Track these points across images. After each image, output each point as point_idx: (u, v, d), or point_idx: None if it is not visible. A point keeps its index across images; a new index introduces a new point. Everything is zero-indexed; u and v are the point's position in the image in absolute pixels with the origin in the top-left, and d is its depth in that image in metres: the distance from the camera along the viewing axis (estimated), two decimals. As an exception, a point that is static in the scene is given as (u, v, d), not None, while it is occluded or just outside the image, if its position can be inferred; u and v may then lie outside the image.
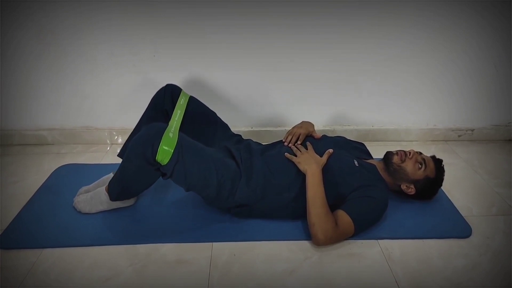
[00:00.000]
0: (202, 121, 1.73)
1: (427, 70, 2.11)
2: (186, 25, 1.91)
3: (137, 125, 1.74)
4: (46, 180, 1.81)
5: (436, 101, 2.22)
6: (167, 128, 1.37)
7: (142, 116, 1.73)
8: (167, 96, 1.69)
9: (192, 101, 1.73)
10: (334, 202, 1.46)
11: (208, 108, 1.78)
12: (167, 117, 1.70)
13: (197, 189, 1.46)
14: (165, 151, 1.31)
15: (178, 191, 1.71)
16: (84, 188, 1.65)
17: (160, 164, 1.34)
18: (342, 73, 2.09)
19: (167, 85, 1.73)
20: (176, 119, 1.60)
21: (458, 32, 1.99)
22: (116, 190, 1.52)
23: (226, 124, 1.80)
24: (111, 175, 1.67)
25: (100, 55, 1.98)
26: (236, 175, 1.47)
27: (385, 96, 2.18)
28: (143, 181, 1.48)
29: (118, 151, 1.80)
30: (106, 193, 1.55)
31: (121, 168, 1.45)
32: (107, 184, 1.58)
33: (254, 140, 1.77)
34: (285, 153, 1.58)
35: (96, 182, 1.67)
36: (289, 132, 1.72)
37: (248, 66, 2.04)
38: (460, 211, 1.63)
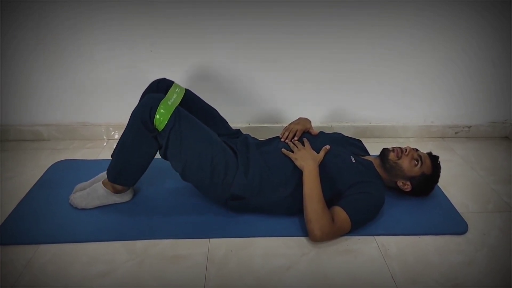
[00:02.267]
0: (199, 115, 1.72)
1: (425, 68, 2.11)
2: (184, 22, 1.91)
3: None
4: (42, 176, 1.80)
5: (433, 98, 2.22)
6: (166, 97, 1.42)
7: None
8: (160, 87, 1.64)
9: (189, 94, 1.71)
10: (330, 198, 1.46)
11: (205, 102, 1.77)
12: None
13: (191, 170, 1.45)
14: (162, 114, 1.35)
15: (174, 186, 1.71)
16: (80, 185, 1.64)
17: (157, 131, 1.37)
18: (340, 70, 2.09)
19: (159, 79, 1.68)
20: (174, 97, 1.53)
21: (458, 32, 2.00)
22: (114, 169, 1.51)
23: (224, 119, 1.80)
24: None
25: (98, 52, 1.98)
26: (231, 161, 1.47)
27: (382, 93, 2.18)
28: (140, 154, 1.46)
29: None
30: (103, 188, 1.55)
31: (119, 140, 1.47)
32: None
33: (252, 136, 1.77)
34: (282, 149, 1.58)
35: (92, 179, 1.66)
36: (286, 128, 1.72)
37: (246, 62, 2.04)
38: (456, 208, 1.64)
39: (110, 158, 1.57)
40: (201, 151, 1.43)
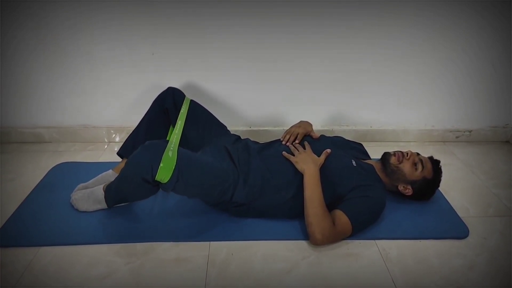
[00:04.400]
0: (200, 121, 1.74)
1: (426, 71, 2.11)
2: (185, 24, 1.91)
3: (138, 125, 1.76)
4: (43, 178, 1.80)
5: (434, 102, 2.22)
6: (166, 147, 1.34)
7: (144, 116, 1.75)
8: (168, 98, 1.73)
9: (191, 103, 1.76)
10: (331, 201, 1.46)
11: (205, 109, 1.79)
12: (167, 117, 1.71)
13: (199, 198, 1.52)
14: (164, 171, 1.29)
15: (176, 189, 1.71)
16: (82, 184, 1.64)
17: (160, 182, 1.33)
18: (341, 73, 2.09)
19: (169, 88, 1.77)
20: (177, 131, 1.61)
21: (458, 32, 1.99)
22: (113, 199, 1.54)
23: (224, 125, 1.82)
24: (109, 172, 1.67)
25: (99, 54, 1.98)
26: (235, 179, 1.48)
27: (383, 97, 2.18)
28: (141, 195, 1.48)
29: (116, 149, 1.81)
30: (104, 193, 1.55)
31: (118, 181, 1.46)
32: (105, 181, 1.58)
33: (252, 140, 1.77)
34: (283, 152, 1.58)
35: (94, 179, 1.67)
36: (287, 132, 1.72)
37: (247, 65, 2.04)
38: (457, 212, 1.64)
39: (111, 160, 1.58)
40: (207, 188, 1.43)
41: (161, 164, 1.28)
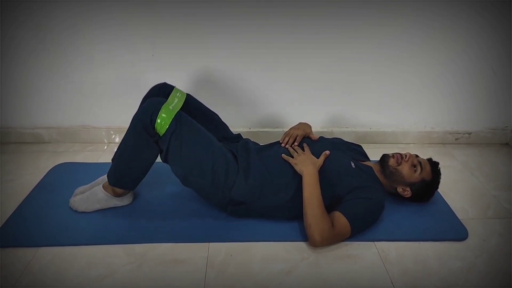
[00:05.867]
0: (200, 119, 1.72)
1: (426, 73, 2.11)
2: (184, 25, 1.91)
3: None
4: (42, 179, 1.80)
5: (433, 104, 2.22)
6: (167, 101, 1.42)
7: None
8: (161, 92, 1.64)
9: (190, 99, 1.71)
10: (330, 203, 1.46)
11: (205, 106, 1.77)
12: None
13: (192, 175, 1.46)
14: (163, 118, 1.36)
15: (174, 190, 1.71)
16: (80, 188, 1.64)
17: (158, 136, 1.37)
18: (341, 74, 2.09)
19: (160, 84, 1.69)
20: (176, 101, 1.53)
21: (458, 32, 1.99)
22: (115, 173, 1.51)
23: (225, 123, 1.80)
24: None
25: (98, 54, 1.98)
26: (232, 166, 1.47)
27: (383, 99, 2.19)
28: (141, 158, 1.47)
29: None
30: (103, 191, 1.55)
31: (120, 145, 1.47)
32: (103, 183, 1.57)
33: (252, 141, 1.77)
34: (282, 154, 1.58)
35: (92, 183, 1.66)
36: (286, 133, 1.72)
37: (247, 66, 2.04)
38: (456, 214, 1.64)
39: (111, 161, 1.58)
40: (202, 157, 1.43)
41: (161, 112, 1.36)
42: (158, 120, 1.35)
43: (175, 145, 1.39)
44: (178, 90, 1.64)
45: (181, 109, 1.47)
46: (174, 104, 1.47)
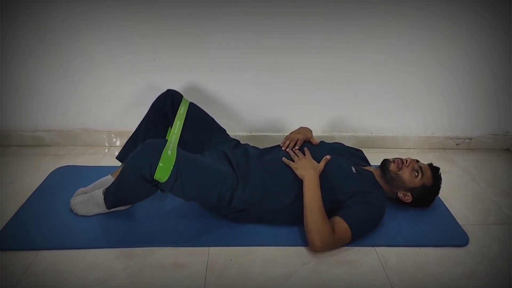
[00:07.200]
0: (200, 125, 1.74)
1: (427, 76, 2.11)
2: (186, 27, 1.91)
3: (137, 128, 1.75)
4: (43, 181, 1.80)
5: (434, 109, 2.22)
6: (165, 146, 1.36)
7: (143, 120, 1.74)
8: (167, 101, 1.71)
9: (191, 108, 1.75)
10: (331, 208, 1.46)
11: (205, 113, 1.79)
12: (166, 120, 1.71)
13: (196, 200, 1.49)
14: (163, 170, 1.30)
15: (175, 194, 1.71)
16: (82, 189, 1.64)
17: (159, 181, 1.34)
18: (341, 79, 2.09)
19: (168, 90, 1.75)
20: (176, 131, 1.60)
21: (458, 34, 1.99)
22: (112, 200, 1.52)
23: (224, 129, 1.81)
24: (109, 177, 1.67)
25: (99, 56, 1.98)
26: (234, 183, 1.47)
27: (384, 104, 2.19)
28: (140, 194, 1.48)
29: (116, 153, 1.81)
30: (103, 197, 1.54)
31: (118, 181, 1.45)
32: (104, 186, 1.57)
33: (252, 145, 1.77)
34: (283, 158, 1.58)
35: (93, 184, 1.66)
36: (287, 137, 1.72)
37: (248, 70, 2.04)
38: (457, 219, 1.64)
39: (112, 164, 1.58)
40: (205, 190, 1.42)
41: (160, 163, 1.30)
42: (157, 174, 1.30)
43: (177, 188, 1.36)
44: (183, 104, 1.70)
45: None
46: (173, 141, 1.46)
